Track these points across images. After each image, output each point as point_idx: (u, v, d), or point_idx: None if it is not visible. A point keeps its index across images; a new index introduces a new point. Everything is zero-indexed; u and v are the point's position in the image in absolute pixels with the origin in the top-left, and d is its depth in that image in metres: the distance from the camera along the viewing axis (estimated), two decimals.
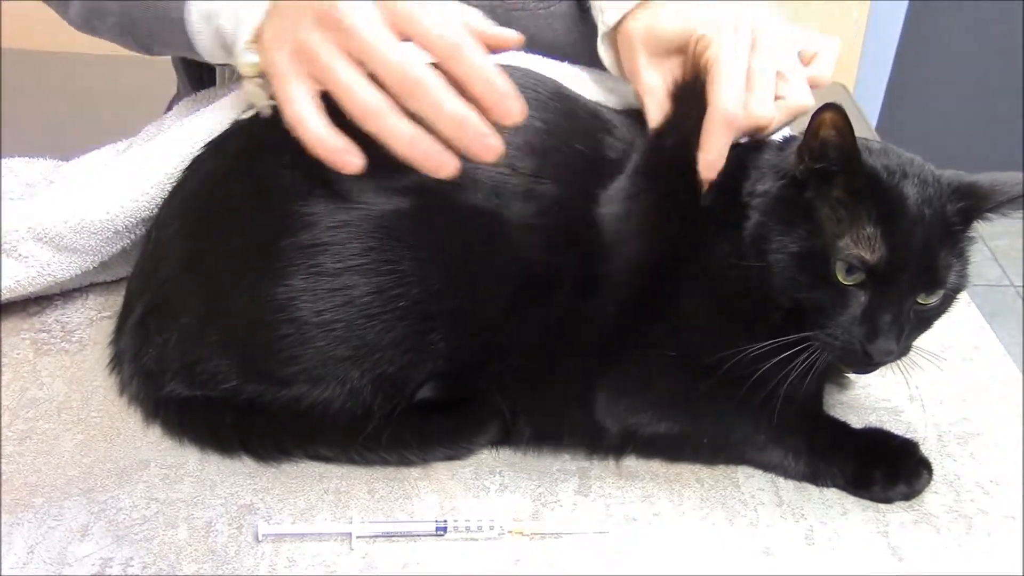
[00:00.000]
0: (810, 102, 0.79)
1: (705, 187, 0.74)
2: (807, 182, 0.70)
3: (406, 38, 0.67)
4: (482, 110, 0.67)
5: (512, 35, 0.74)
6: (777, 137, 0.80)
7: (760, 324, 0.72)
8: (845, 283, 0.69)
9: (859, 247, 0.69)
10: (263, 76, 0.73)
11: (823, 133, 0.68)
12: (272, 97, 0.72)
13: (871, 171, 0.70)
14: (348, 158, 0.68)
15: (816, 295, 0.70)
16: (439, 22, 0.67)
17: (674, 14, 0.80)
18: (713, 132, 0.73)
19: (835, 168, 0.69)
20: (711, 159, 0.73)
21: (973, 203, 0.72)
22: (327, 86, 0.68)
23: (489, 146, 0.67)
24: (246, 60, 0.74)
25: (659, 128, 0.78)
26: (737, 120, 0.74)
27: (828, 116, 0.67)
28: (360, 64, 0.67)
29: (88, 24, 0.90)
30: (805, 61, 0.83)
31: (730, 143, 0.74)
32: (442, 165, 0.67)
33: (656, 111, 0.79)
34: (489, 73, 0.66)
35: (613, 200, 0.75)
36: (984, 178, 0.74)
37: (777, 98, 0.78)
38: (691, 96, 0.76)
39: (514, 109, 0.67)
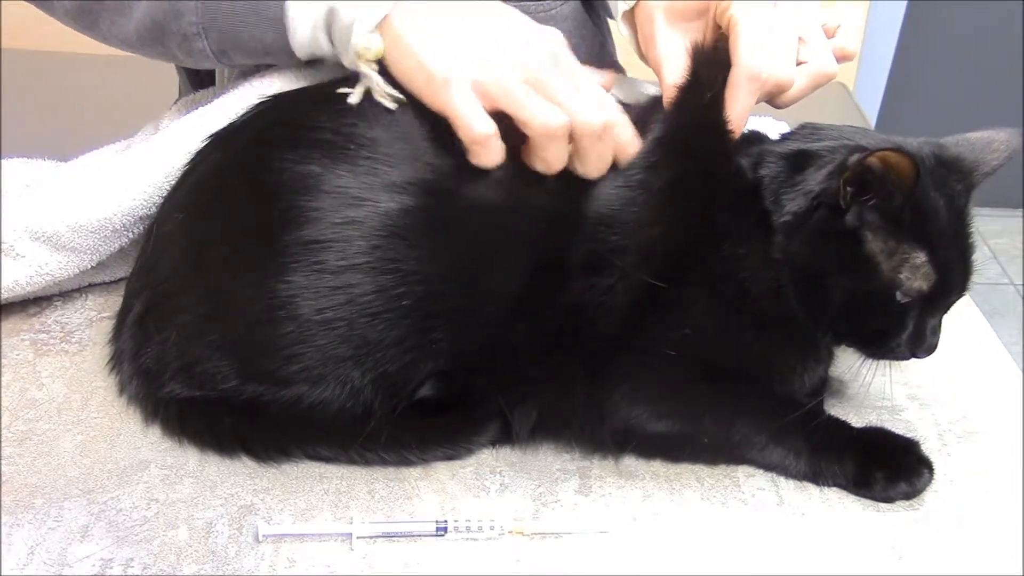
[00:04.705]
0: (834, 69, 0.79)
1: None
2: (847, 208, 0.70)
3: None
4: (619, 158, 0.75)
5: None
6: (774, 135, 0.79)
7: (794, 340, 0.75)
8: (901, 308, 0.72)
9: (916, 278, 0.71)
10: (381, 62, 0.75)
11: (879, 171, 0.67)
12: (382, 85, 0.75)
13: (915, 201, 0.70)
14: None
15: (875, 324, 0.73)
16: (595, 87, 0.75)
17: None
18: (738, 89, 0.74)
19: (886, 202, 0.69)
20: (736, 117, 0.74)
21: (969, 181, 0.74)
22: (511, 109, 0.72)
23: None
24: (368, 44, 0.74)
25: (683, 86, 0.76)
26: (761, 76, 0.74)
27: (882, 156, 0.67)
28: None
29: (153, 34, 0.83)
30: (828, 34, 0.82)
31: (754, 101, 0.75)
32: None
33: (673, 74, 0.78)
34: (629, 131, 0.75)
35: (631, 170, 0.75)
36: (963, 147, 0.76)
37: (799, 63, 0.78)
38: (713, 58, 0.76)
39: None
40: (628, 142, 0.75)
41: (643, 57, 0.85)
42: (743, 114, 0.74)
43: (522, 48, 0.74)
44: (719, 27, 0.78)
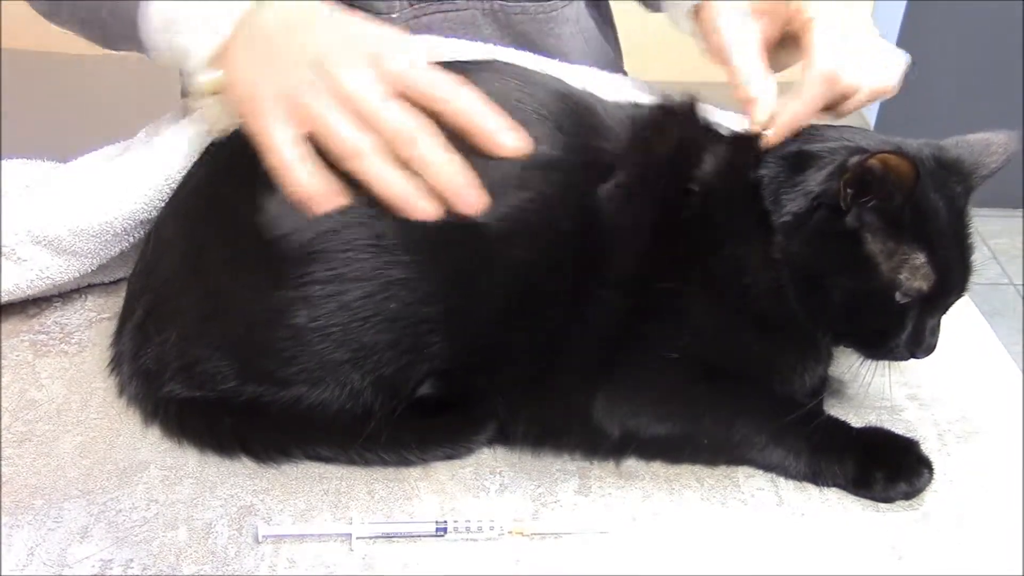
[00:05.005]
0: (891, 84, 0.79)
1: (774, 139, 0.74)
2: (847, 210, 0.70)
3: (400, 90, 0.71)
4: (481, 146, 0.70)
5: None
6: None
7: (795, 340, 0.75)
8: (900, 308, 0.72)
9: (915, 279, 0.71)
10: (221, 93, 0.76)
11: (879, 172, 0.68)
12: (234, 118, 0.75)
13: (915, 202, 0.70)
14: (325, 201, 0.70)
15: (875, 324, 0.73)
16: (427, 75, 0.71)
17: None
18: (812, 88, 0.74)
19: (886, 203, 0.69)
20: (802, 112, 0.74)
21: (968, 183, 0.74)
22: (313, 127, 0.70)
23: (471, 202, 0.70)
24: (205, 78, 0.76)
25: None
26: (835, 77, 0.74)
27: (883, 158, 0.67)
28: (350, 111, 0.69)
29: (52, 13, 0.90)
30: None
31: (823, 104, 0.75)
32: (419, 211, 0.70)
33: (743, 59, 0.77)
34: (481, 113, 0.70)
35: (623, 176, 0.74)
36: (962, 149, 0.76)
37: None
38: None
39: (509, 142, 0.70)
40: (481, 124, 0.70)
41: (711, 53, 0.84)
42: (811, 111, 0.74)
43: (346, 65, 0.71)
44: (787, 26, 0.78)
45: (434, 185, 0.69)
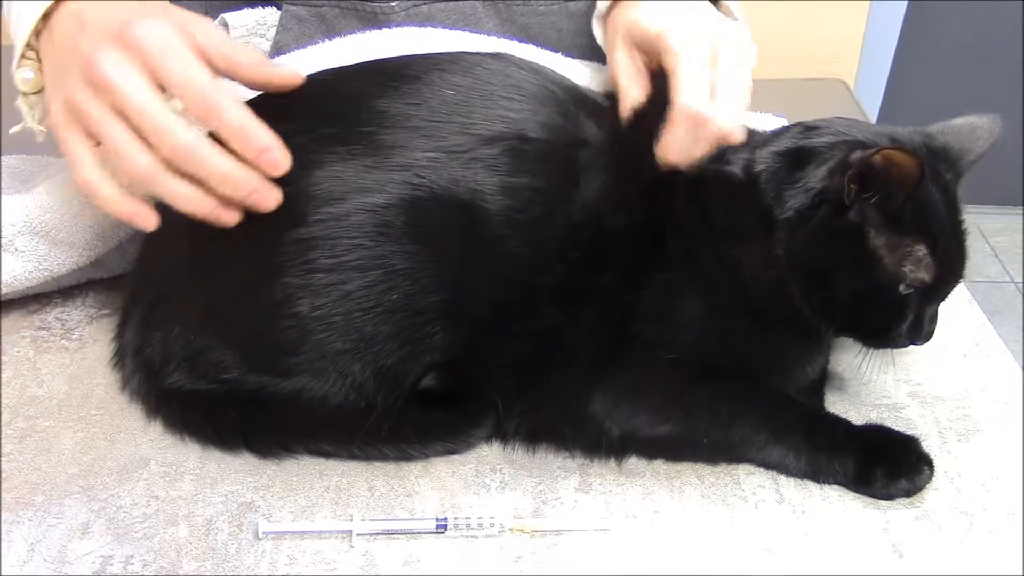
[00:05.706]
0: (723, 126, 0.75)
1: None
2: (850, 205, 0.70)
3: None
4: (247, 164, 0.69)
5: (294, 78, 0.75)
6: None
7: (798, 335, 0.75)
8: (902, 299, 0.72)
9: (918, 271, 0.71)
10: (40, 94, 0.76)
11: (882, 169, 0.67)
12: (42, 122, 0.76)
13: (916, 196, 0.70)
14: (142, 221, 0.72)
15: (879, 317, 0.73)
16: (193, 81, 0.68)
17: (652, 13, 0.79)
18: (673, 127, 0.73)
19: (889, 199, 0.69)
20: (666, 151, 0.73)
21: (957, 170, 0.75)
22: (103, 144, 0.69)
23: (261, 199, 0.70)
24: (21, 76, 0.76)
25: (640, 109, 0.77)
26: (699, 116, 0.72)
27: (887, 155, 0.67)
28: (127, 126, 0.68)
29: None
30: None
31: (689, 140, 0.73)
32: (221, 219, 0.71)
33: (630, 85, 0.78)
34: (246, 129, 0.68)
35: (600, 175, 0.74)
36: (949, 136, 0.76)
37: None
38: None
39: (277, 160, 0.69)
40: (244, 138, 0.68)
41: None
42: (677, 151, 0.73)
43: (115, 72, 0.68)
44: (654, 54, 0.77)
45: (222, 193, 0.69)
